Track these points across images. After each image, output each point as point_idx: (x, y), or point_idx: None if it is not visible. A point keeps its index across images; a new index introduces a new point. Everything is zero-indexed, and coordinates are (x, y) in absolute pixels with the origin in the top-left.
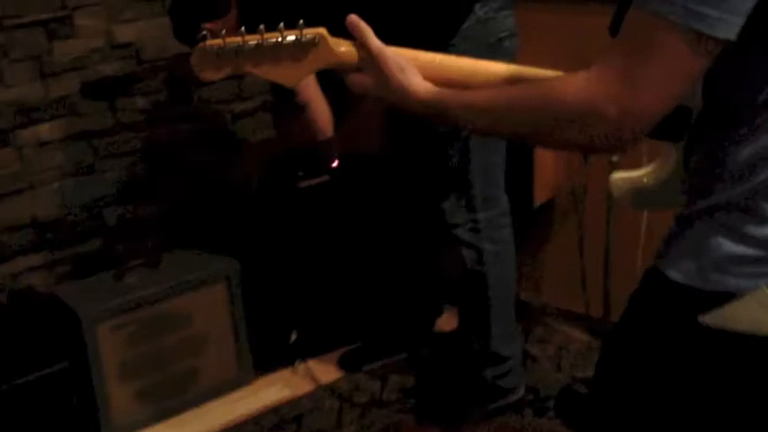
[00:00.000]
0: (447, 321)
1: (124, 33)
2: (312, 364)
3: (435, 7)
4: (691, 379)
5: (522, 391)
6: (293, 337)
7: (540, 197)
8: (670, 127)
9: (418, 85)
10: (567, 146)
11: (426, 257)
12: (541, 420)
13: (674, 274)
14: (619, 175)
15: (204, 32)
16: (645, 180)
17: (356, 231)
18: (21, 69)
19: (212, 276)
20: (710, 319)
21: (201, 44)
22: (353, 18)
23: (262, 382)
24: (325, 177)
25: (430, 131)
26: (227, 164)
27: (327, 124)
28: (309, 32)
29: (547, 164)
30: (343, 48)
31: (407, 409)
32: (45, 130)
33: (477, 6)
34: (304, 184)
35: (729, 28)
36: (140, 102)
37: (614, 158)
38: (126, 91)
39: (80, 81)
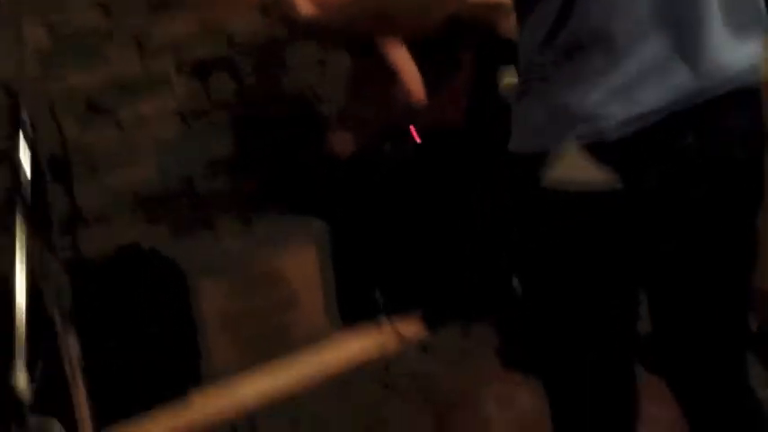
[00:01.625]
0: None
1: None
2: (397, 321)
3: None
4: (548, 239)
5: None
6: (378, 296)
7: None
8: None
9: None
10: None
11: (503, 220)
12: None
13: (511, 147)
14: (508, 79)
15: None
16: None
17: (441, 197)
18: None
19: (303, 237)
20: (546, 181)
21: None
22: None
23: (349, 336)
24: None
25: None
26: (314, 141)
27: (419, 87)
28: None
29: None
30: None
31: (492, 359)
32: (145, 107)
33: None
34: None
35: None
36: (231, 82)
37: None
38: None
39: (176, 62)
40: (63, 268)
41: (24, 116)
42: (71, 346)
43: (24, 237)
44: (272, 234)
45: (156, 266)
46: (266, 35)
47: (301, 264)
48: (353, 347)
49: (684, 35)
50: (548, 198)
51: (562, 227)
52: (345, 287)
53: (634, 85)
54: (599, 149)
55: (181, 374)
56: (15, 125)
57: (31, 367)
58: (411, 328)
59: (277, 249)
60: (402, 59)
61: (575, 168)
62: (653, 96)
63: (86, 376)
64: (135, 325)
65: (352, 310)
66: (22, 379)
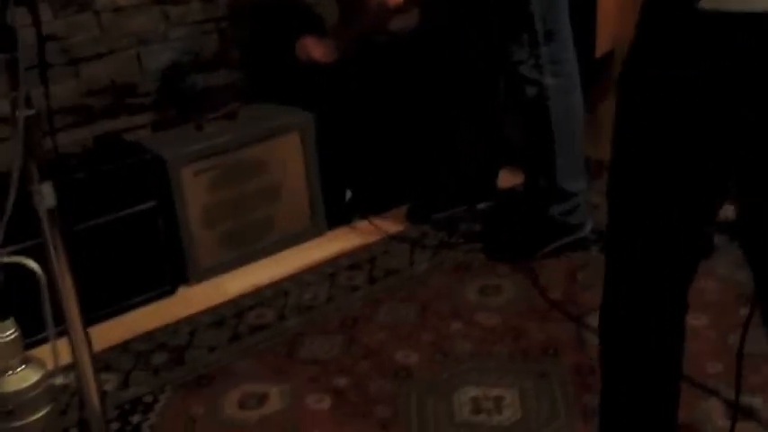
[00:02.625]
0: (505, 179)
1: None
2: (381, 218)
3: None
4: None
5: (588, 229)
6: (348, 195)
7: (602, 47)
8: None
9: None
10: None
11: (487, 117)
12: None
13: None
14: None
15: None
16: None
17: (422, 92)
18: None
19: (287, 126)
20: (705, 2)
21: None
22: None
23: (335, 232)
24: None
25: None
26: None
27: None
28: None
29: (610, 11)
30: None
31: (476, 249)
32: None
33: None
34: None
35: None
36: None
37: None
38: None
39: None
40: (33, 111)
41: None
42: (57, 241)
43: None
44: (256, 122)
45: (137, 158)
46: None
47: (286, 154)
48: (339, 241)
49: None
50: (709, 22)
51: (727, 56)
52: (330, 180)
53: None
54: None
55: (167, 267)
56: None
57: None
58: (396, 224)
59: (261, 140)
60: None
61: None
62: None
63: (72, 272)
64: (118, 218)
65: (337, 203)
66: None
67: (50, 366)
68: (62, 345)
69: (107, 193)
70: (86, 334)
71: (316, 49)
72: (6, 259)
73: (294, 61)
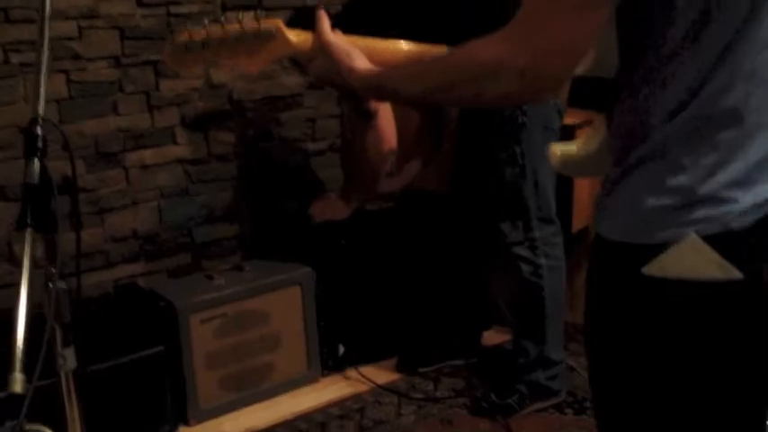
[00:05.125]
0: (491, 337)
1: (219, 76)
2: (370, 368)
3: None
4: (649, 327)
5: (563, 394)
6: (341, 350)
7: (576, 224)
8: (592, 96)
9: (360, 66)
10: (493, 100)
11: (476, 278)
12: (581, 418)
13: (611, 235)
14: (556, 146)
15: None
16: (577, 149)
17: (416, 252)
18: (132, 101)
19: (289, 280)
20: (651, 269)
21: (170, 39)
22: (321, 12)
23: (328, 379)
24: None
25: (491, 164)
26: (304, 191)
27: (392, 136)
28: (267, 24)
29: (584, 195)
30: (298, 38)
31: (460, 404)
32: (148, 155)
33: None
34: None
35: None
36: (229, 136)
37: None
38: (218, 125)
39: (180, 114)
40: (65, 286)
41: (38, 140)
42: (68, 363)
43: (29, 252)
44: (260, 275)
45: (152, 306)
46: (263, 93)
47: (287, 306)
48: (331, 389)
49: None
50: (653, 288)
51: (672, 323)
52: (327, 331)
53: (764, 167)
54: (719, 238)
55: (168, 408)
56: (30, 148)
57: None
58: (386, 373)
59: (265, 292)
60: (383, 107)
61: (690, 258)
62: None
63: (81, 399)
64: (126, 362)
65: (331, 353)
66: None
67: None
68: None
69: (120, 337)
70: None
71: (328, 210)
72: (28, 427)
73: (305, 220)
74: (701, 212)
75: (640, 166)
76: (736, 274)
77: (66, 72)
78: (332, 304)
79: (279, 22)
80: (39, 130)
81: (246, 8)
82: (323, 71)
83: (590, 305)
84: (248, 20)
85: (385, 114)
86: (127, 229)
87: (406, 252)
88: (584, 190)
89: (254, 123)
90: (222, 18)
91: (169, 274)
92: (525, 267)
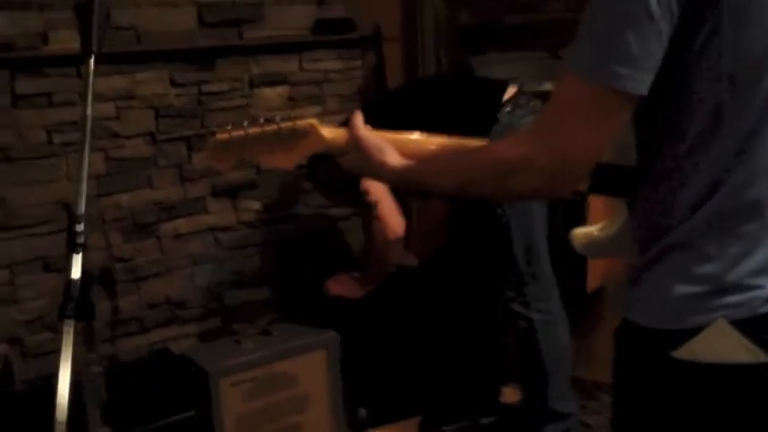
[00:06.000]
0: (511, 395)
1: None
2: (394, 426)
3: (464, 116)
4: (679, 409)
5: None
6: (362, 413)
7: (592, 284)
8: (612, 183)
9: (392, 160)
10: (518, 195)
11: (490, 337)
12: None
13: (640, 320)
14: (578, 230)
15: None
16: (598, 233)
17: (430, 314)
18: (165, 175)
19: (315, 344)
20: (681, 353)
21: (212, 138)
22: (356, 111)
23: None
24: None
25: (482, 229)
26: (329, 256)
27: (397, 224)
28: (302, 123)
29: None
30: (332, 134)
31: None
32: (181, 225)
33: (502, 113)
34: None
35: (639, 84)
36: (257, 204)
37: None
38: (246, 194)
39: (211, 185)
40: (101, 369)
41: (79, 236)
42: None
43: (71, 341)
44: (288, 339)
45: (183, 369)
46: None
47: (313, 368)
48: None
49: None
50: (683, 371)
51: (702, 405)
52: (352, 392)
53: None
54: (747, 323)
55: None
56: (71, 244)
57: None
58: None
59: (292, 356)
60: (380, 195)
61: (719, 342)
62: None
63: None
64: (163, 422)
65: (352, 417)
66: None
67: None
68: None
69: (153, 402)
70: None
71: (345, 288)
72: None
73: (322, 292)
74: (728, 299)
75: (666, 256)
76: (764, 357)
77: (104, 150)
78: (354, 366)
79: (313, 120)
80: (79, 228)
81: (272, 84)
82: (355, 165)
83: (620, 388)
84: (284, 119)
85: (387, 205)
86: (161, 296)
87: (420, 312)
88: None
89: (280, 191)
90: (261, 119)
91: (200, 337)
92: (520, 323)
